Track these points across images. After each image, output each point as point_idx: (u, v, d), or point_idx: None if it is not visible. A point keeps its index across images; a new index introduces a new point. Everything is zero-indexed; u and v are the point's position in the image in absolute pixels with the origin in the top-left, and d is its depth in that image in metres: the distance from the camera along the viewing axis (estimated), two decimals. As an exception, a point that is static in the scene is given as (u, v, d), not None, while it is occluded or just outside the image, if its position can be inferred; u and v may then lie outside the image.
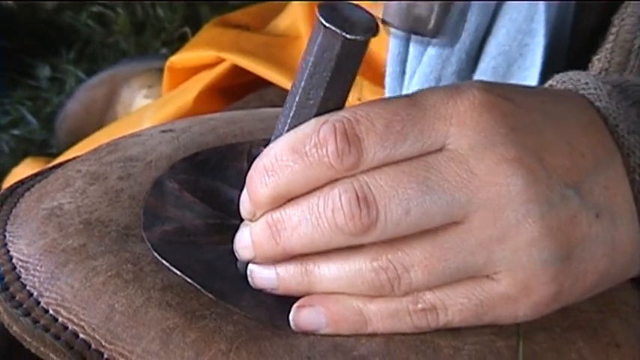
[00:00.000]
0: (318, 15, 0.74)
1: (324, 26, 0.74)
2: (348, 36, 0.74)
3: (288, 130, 0.77)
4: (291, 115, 0.78)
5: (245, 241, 0.80)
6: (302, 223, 0.76)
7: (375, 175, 0.74)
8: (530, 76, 1.22)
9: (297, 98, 0.77)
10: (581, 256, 0.77)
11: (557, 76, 0.87)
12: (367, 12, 0.75)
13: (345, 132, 0.73)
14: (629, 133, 0.80)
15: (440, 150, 0.75)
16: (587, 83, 0.84)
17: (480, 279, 0.76)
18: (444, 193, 0.74)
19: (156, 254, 0.84)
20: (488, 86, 0.77)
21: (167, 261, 0.84)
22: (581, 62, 1.22)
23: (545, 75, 1.22)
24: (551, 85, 0.88)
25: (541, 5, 1.19)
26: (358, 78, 0.99)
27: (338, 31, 0.74)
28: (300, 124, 0.76)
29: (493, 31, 1.23)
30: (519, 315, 0.78)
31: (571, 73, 0.87)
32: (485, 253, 0.75)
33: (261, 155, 0.77)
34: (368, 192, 0.73)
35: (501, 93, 0.77)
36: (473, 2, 1.22)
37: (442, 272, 0.76)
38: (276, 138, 0.78)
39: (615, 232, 0.79)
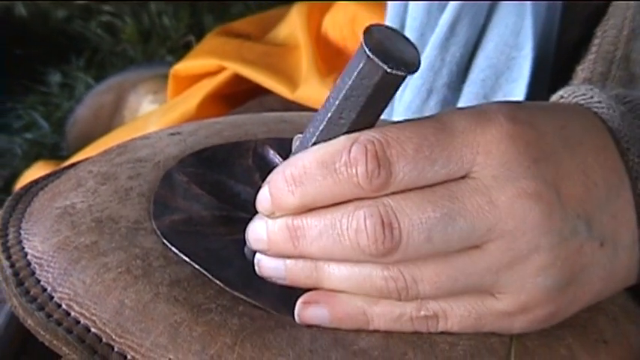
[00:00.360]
0: (363, 42, 0.72)
1: (368, 56, 0.72)
2: (389, 70, 0.72)
3: (314, 144, 0.77)
4: (320, 128, 0.77)
5: (259, 235, 0.79)
6: (323, 235, 0.75)
7: (400, 201, 0.74)
8: (518, 88, 1.23)
9: (329, 115, 0.76)
10: (581, 281, 0.79)
11: (569, 89, 0.88)
12: (412, 45, 0.74)
13: (376, 154, 0.73)
14: (638, 157, 0.80)
15: (464, 177, 0.75)
16: (600, 102, 0.84)
17: (483, 295, 0.77)
18: (465, 222, 0.75)
19: (165, 241, 0.84)
20: (513, 112, 0.77)
21: (176, 248, 0.83)
22: (565, 73, 1.22)
23: (532, 86, 1.22)
24: (561, 97, 0.88)
25: (528, 20, 1.19)
26: None
27: (380, 63, 0.72)
28: (329, 139, 0.76)
29: (482, 44, 1.23)
30: (515, 328, 0.79)
31: (583, 88, 0.86)
32: (495, 277, 0.76)
33: (288, 162, 0.77)
34: (393, 218, 0.73)
35: (526, 119, 0.77)
36: (462, 17, 1.22)
37: (449, 288, 0.76)
38: (301, 148, 0.78)
39: (615, 259, 0.80)
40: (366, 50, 0.72)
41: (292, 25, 1.60)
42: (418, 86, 1.25)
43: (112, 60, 2.68)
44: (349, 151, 0.73)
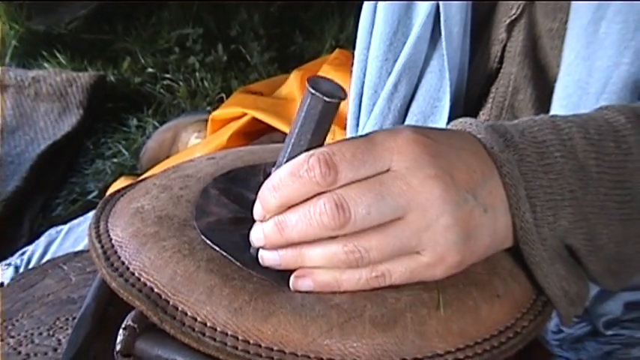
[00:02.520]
0: (307, 85, 0.76)
1: (312, 93, 0.76)
2: (327, 99, 0.77)
3: (286, 161, 0.80)
4: (288, 150, 0.80)
5: (258, 235, 0.82)
6: (299, 222, 0.78)
7: (347, 190, 0.77)
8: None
9: (292, 140, 0.80)
10: (475, 237, 0.81)
11: (454, 121, 0.91)
12: (338, 84, 0.79)
13: (326, 161, 0.76)
14: (500, 152, 0.84)
15: (387, 170, 0.78)
16: (471, 124, 0.88)
17: (412, 255, 0.79)
18: (391, 199, 0.77)
19: (203, 237, 0.85)
20: (415, 129, 0.81)
21: (210, 241, 0.85)
22: (472, 117, 1.21)
23: None
24: (451, 126, 0.90)
25: (445, 80, 1.19)
26: (332, 126, 1.03)
27: (321, 96, 0.76)
28: (295, 157, 0.79)
29: (415, 97, 1.23)
30: (437, 275, 0.81)
31: (462, 119, 0.90)
32: (417, 238, 0.78)
33: (269, 178, 0.80)
34: (343, 201, 0.76)
35: (423, 132, 0.81)
36: (402, 79, 1.22)
37: (390, 253, 0.79)
38: (278, 166, 0.81)
39: (496, 221, 0.83)
40: (310, 89, 0.76)
41: (291, 86, 1.62)
42: (372, 126, 1.26)
43: (170, 110, 2.69)
44: (308, 162, 0.77)
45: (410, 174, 0.78)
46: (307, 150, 0.79)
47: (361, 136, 0.80)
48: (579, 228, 0.86)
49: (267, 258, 0.82)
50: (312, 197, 0.78)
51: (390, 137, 0.80)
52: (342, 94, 0.78)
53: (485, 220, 0.82)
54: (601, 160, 0.87)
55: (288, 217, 0.79)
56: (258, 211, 0.82)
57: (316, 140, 0.79)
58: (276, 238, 0.80)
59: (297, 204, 0.79)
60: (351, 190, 0.77)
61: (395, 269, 0.80)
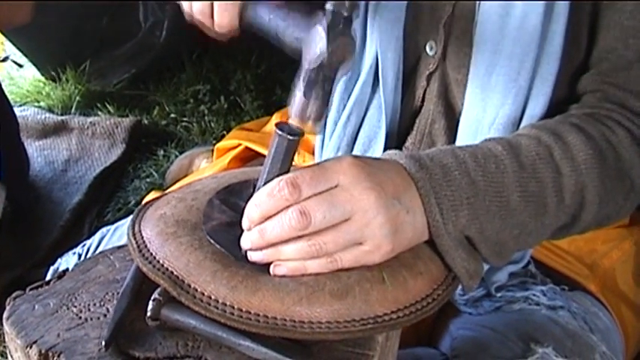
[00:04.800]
0: (275, 129, 0.80)
1: (279, 134, 0.79)
2: (290, 138, 0.79)
3: (264, 184, 0.81)
4: (264, 177, 0.82)
5: (246, 242, 0.83)
6: (275, 228, 0.79)
7: (308, 202, 0.78)
8: (378, 149, 1.22)
9: (267, 168, 0.81)
10: (402, 231, 0.82)
11: (384, 153, 0.92)
12: (297, 127, 0.82)
13: (292, 183, 0.78)
14: (416, 172, 0.85)
15: (336, 186, 0.80)
16: (395, 154, 0.89)
17: (357, 245, 0.80)
18: (340, 206, 0.79)
19: (208, 237, 0.85)
20: (354, 156, 0.83)
21: (213, 240, 0.85)
22: (401, 140, 1.24)
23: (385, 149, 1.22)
24: (383, 156, 0.91)
25: (383, 115, 1.19)
26: (302, 151, 1.08)
27: (285, 135, 0.79)
28: (270, 181, 0.81)
29: (362, 126, 1.23)
30: (375, 260, 0.81)
31: (389, 151, 0.91)
32: (360, 233, 0.79)
33: (253, 197, 0.82)
34: (305, 209, 0.78)
35: (360, 159, 0.83)
36: (352, 113, 1.21)
37: (340, 244, 0.79)
38: (258, 188, 0.82)
39: (415, 220, 0.84)
40: (278, 132, 0.79)
41: (273, 124, 1.60)
42: (333, 146, 1.25)
43: (187, 143, 2.68)
44: (279, 184, 0.79)
45: (352, 187, 0.80)
46: (278, 176, 0.80)
47: (316, 164, 0.82)
48: (473, 224, 0.87)
49: (254, 257, 0.82)
50: (283, 209, 0.79)
51: (337, 163, 0.81)
52: (300, 133, 0.80)
53: (408, 218, 0.82)
54: (486, 177, 0.89)
55: (267, 225, 0.80)
56: (245, 223, 0.82)
57: (284, 167, 0.81)
58: (259, 242, 0.81)
59: (273, 215, 0.79)
60: (311, 202, 0.78)
61: (344, 256, 0.80)
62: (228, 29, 1.05)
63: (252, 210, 0.81)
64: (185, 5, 1.11)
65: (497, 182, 0.90)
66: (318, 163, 0.83)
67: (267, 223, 0.80)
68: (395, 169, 0.85)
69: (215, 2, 1.04)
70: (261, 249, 0.82)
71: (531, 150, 0.94)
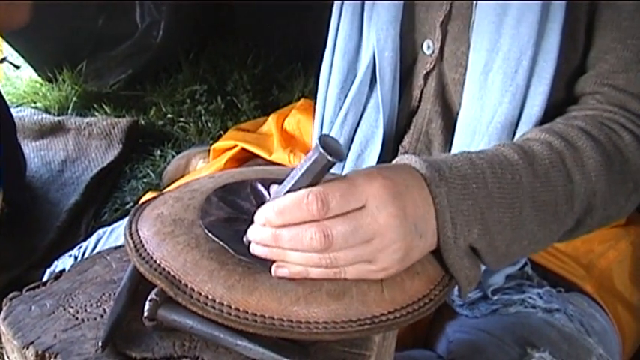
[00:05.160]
0: (318, 143, 0.76)
1: (320, 151, 0.75)
2: (330, 159, 0.75)
3: (288, 192, 0.79)
4: (291, 183, 0.79)
5: (255, 234, 0.81)
6: (293, 239, 0.77)
7: (332, 222, 0.77)
8: (373, 156, 1.23)
9: (296, 177, 0.79)
10: (411, 255, 0.81)
11: (402, 156, 0.90)
12: (342, 147, 0.80)
13: (321, 198, 0.76)
14: (436, 187, 0.84)
15: (363, 207, 0.78)
16: (416, 162, 0.87)
17: (365, 262, 0.80)
18: (363, 231, 0.77)
19: (206, 231, 0.84)
20: (384, 174, 0.81)
21: (211, 234, 0.84)
22: (398, 139, 1.25)
23: (381, 155, 1.23)
24: (401, 158, 0.90)
25: (381, 113, 1.20)
26: (297, 152, 1.02)
27: (326, 155, 0.75)
28: (296, 190, 0.78)
29: (360, 125, 1.24)
30: (379, 277, 0.81)
31: (407, 156, 0.89)
32: (374, 255, 0.79)
33: (278, 201, 0.79)
34: (328, 231, 0.76)
35: (389, 176, 0.81)
36: (350, 110, 1.23)
37: (351, 261, 0.79)
38: (279, 193, 0.80)
39: (425, 243, 0.83)
40: (321, 149, 0.75)
41: (269, 125, 1.60)
42: None
43: (184, 144, 2.68)
44: (308, 197, 0.76)
45: (378, 212, 0.78)
46: (307, 187, 0.78)
47: (345, 179, 0.80)
48: (484, 237, 0.87)
49: (258, 250, 0.81)
50: (304, 223, 0.77)
51: (368, 182, 0.79)
52: (343, 156, 0.78)
53: (420, 243, 0.82)
54: (502, 188, 0.88)
55: (284, 232, 0.78)
56: (260, 219, 0.80)
57: (313, 183, 0.78)
58: (269, 241, 0.79)
59: (291, 224, 0.78)
60: (335, 223, 0.76)
61: (350, 270, 0.79)
62: None
63: (276, 214, 0.79)
64: None
65: (512, 194, 0.89)
66: (348, 178, 0.80)
67: (285, 230, 0.78)
68: (418, 186, 0.84)
69: None
70: (268, 247, 0.81)
71: (545, 158, 0.94)
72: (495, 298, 1.15)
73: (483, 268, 1.03)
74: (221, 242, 0.83)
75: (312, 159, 0.77)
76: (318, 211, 0.76)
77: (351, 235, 0.77)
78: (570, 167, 0.95)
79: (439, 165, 0.86)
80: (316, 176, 0.78)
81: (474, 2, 1.10)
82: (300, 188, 0.78)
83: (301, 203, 0.76)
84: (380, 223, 0.78)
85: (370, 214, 0.78)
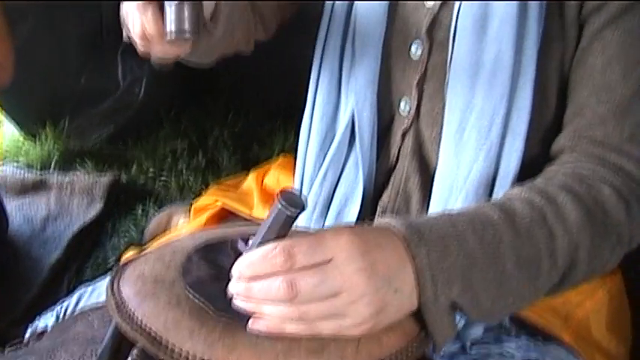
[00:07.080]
0: (277, 198, 0.78)
1: (280, 205, 0.78)
2: (288, 213, 0.78)
3: (258, 246, 0.80)
4: (259, 239, 0.81)
5: (232, 288, 0.83)
6: (261, 291, 0.79)
7: (299, 273, 0.78)
8: (353, 213, 1.24)
9: (263, 232, 0.81)
10: (386, 311, 0.81)
11: (382, 220, 0.90)
12: (302, 196, 0.80)
13: (287, 252, 0.77)
14: (415, 247, 0.84)
15: (330, 260, 0.79)
16: (394, 225, 0.87)
17: (338, 317, 0.80)
18: (330, 284, 0.78)
19: (187, 289, 0.86)
20: (353, 231, 0.82)
21: (192, 293, 0.85)
22: (376, 196, 1.26)
23: (361, 211, 1.25)
24: (380, 220, 0.90)
25: (360, 172, 1.22)
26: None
27: (286, 210, 0.77)
28: (265, 243, 0.80)
29: (339, 184, 1.26)
30: (354, 334, 0.82)
31: (387, 219, 0.89)
32: (345, 309, 0.79)
33: (248, 255, 0.81)
34: (294, 283, 0.77)
35: (358, 233, 0.82)
36: (329, 170, 1.23)
37: (323, 316, 0.80)
38: (251, 248, 0.82)
39: (402, 300, 0.83)
40: (280, 204, 0.77)
41: (249, 183, 1.60)
42: (310, 205, 1.27)
43: (165, 201, 2.67)
44: (274, 250, 0.78)
45: (345, 265, 0.79)
46: (275, 239, 0.79)
47: (312, 234, 0.81)
48: (466, 294, 0.87)
49: (237, 304, 0.83)
50: (272, 274, 0.79)
51: (335, 236, 0.80)
52: (302, 206, 0.79)
53: (395, 300, 0.82)
54: (483, 247, 0.88)
55: (254, 285, 0.80)
56: (235, 273, 0.82)
57: (280, 235, 0.80)
58: (244, 294, 0.81)
59: (262, 276, 0.79)
60: (301, 275, 0.78)
61: (325, 327, 0.80)
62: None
63: (244, 267, 0.81)
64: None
65: (494, 252, 0.90)
66: (317, 232, 0.82)
67: (255, 283, 0.80)
68: (392, 245, 0.84)
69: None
70: (244, 300, 0.82)
71: (526, 215, 0.95)
72: (474, 351, 1.15)
73: (463, 320, 1.03)
74: (201, 301, 0.84)
75: (273, 214, 0.80)
76: (283, 263, 0.78)
77: (318, 286, 0.78)
78: (552, 223, 0.95)
79: (418, 226, 0.87)
80: (281, 229, 0.80)
81: (449, 61, 1.13)
82: (267, 241, 0.80)
83: (268, 256, 0.79)
84: (346, 276, 0.79)
85: (337, 267, 0.79)
